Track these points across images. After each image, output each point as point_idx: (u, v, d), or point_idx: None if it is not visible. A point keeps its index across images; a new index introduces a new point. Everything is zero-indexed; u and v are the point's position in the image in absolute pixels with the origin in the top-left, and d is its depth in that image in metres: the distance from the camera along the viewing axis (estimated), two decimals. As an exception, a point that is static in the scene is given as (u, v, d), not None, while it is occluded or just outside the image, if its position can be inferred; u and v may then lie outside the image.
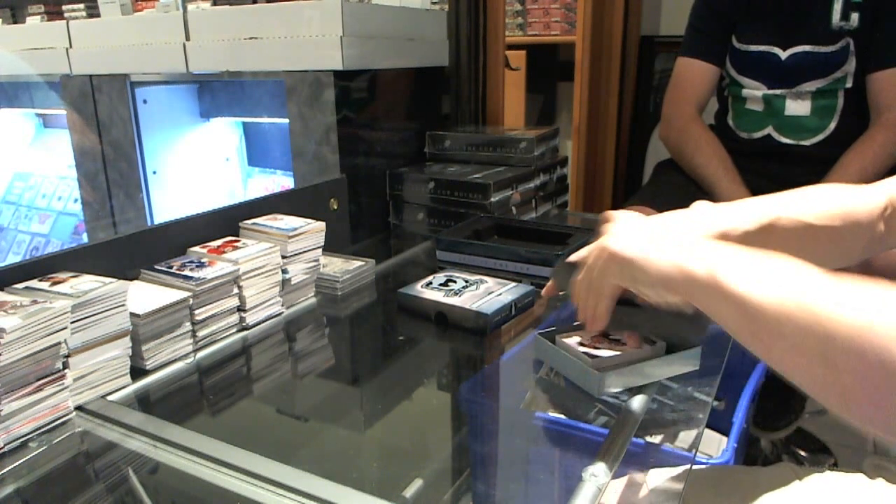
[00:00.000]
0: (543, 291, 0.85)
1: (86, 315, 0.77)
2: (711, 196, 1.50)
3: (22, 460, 0.69)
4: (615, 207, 0.82)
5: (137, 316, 0.83)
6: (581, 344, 0.76)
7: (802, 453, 1.56)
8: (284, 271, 1.05)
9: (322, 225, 1.12)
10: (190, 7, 1.72)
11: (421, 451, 0.78)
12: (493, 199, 1.43)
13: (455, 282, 1.05)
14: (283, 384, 0.93)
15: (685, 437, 0.71)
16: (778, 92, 1.45)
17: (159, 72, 1.80)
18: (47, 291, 0.78)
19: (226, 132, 2.09)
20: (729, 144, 1.52)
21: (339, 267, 1.18)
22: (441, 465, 0.74)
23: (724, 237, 0.64)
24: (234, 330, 0.98)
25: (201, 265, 0.95)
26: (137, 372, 0.85)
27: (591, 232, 1.21)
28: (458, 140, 1.67)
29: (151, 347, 0.86)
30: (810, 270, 0.47)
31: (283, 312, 1.05)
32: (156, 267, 0.95)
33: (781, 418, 1.52)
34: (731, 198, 1.46)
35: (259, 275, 1.00)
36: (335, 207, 1.36)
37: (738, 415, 0.94)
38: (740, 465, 0.83)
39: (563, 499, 0.60)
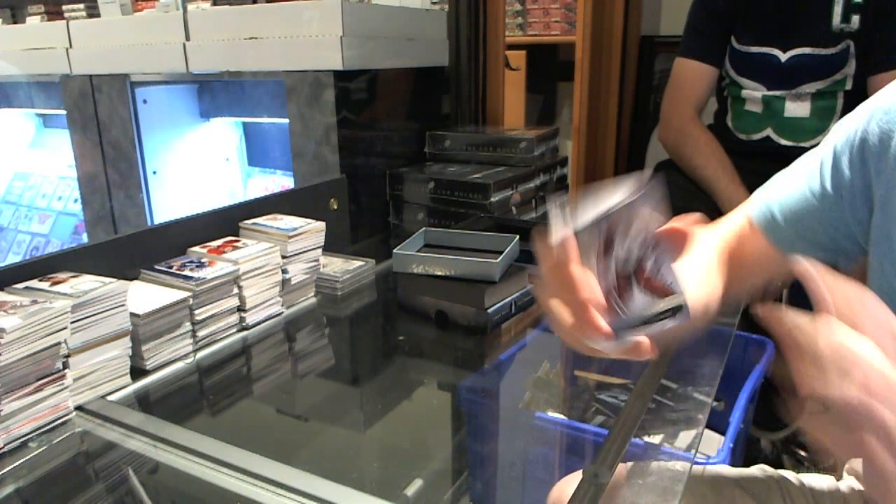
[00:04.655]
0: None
1: (86, 315, 0.77)
2: (711, 196, 1.50)
3: (22, 460, 0.69)
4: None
5: (137, 316, 0.83)
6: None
7: (802, 453, 1.56)
8: (284, 271, 1.05)
9: (322, 225, 1.12)
10: (190, 7, 1.72)
11: (421, 451, 0.78)
12: (493, 199, 1.43)
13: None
14: (283, 384, 0.93)
15: (685, 438, 0.72)
16: (777, 93, 1.45)
17: (159, 72, 1.80)
18: (47, 291, 0.78)
19: (226, 132, 2.09)
20: (728, 145, 1.52)
21: (339, 267, 1.18)
22: (441, 465, 0.74)
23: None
24: (234, 330, 0.98)
25: (201, 265, 0.95)
26: (137, 372, 0.85)
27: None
28: (458, 140, 1.67)
29: (151, 347, 0.86)
30: None
31: (283, 312, 1.05)
32: (156, 267, 0.95)
33: (779, 420, 1.52)
34: (731, 198, 1.46)
35: (259, 275, 1.00)
36: (335, 207, 1.36)
37: (735, 415, 0.94)
38: (739, 467, 0.83)
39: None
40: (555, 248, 0.42)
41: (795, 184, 0.68)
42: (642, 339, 0.46)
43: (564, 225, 0.43)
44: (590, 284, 0.43)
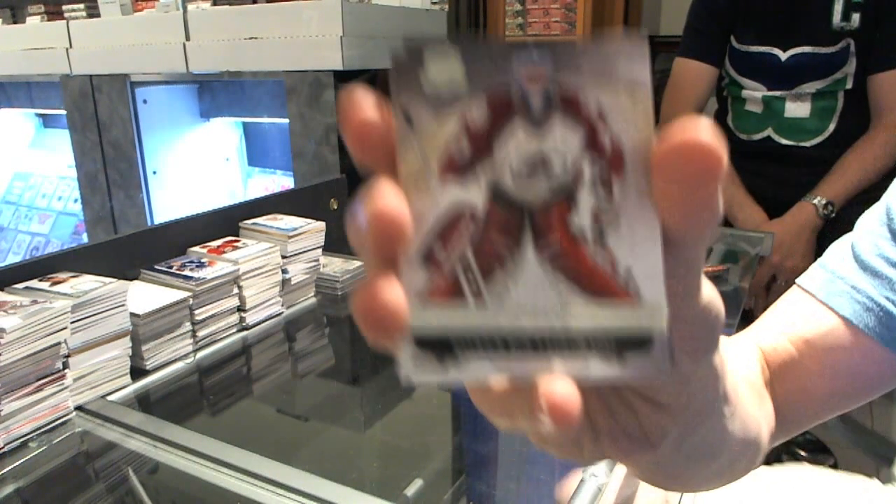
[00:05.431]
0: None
1: (86, 315, 0.77)
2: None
3: (22, 460, 0.69)
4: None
5: (137, 316, 0.83)
6: None
7: (802, 453, 1.56)
8: (284, 271, 1.05)
9: (322, 225, 1.12)
10: (190, 7, 1.72)
11: (421, 451, 0.78)
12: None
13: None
14: (283, 384, 0.93)
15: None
16: (778, 94, 1.45)
17: (159, 72, 1.80)
18: (47, 291, 0.78)
19: (226, 132, 2.09)
20: (728, 145, 1.51)
21: (339, 267, 1.18)
22: (441, 465, 0.74)
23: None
24: (234, 330, 0.98)
25: (201, 265, 0.95)
26: (137, 372, 0.85)
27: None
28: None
29: (151, 347, 0.86)
30: None
31: (283, 312, 1.05)
32: (156, 267, 0.95)
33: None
34: (731, 199, 1.47)
35: (259, 275, 1.00)
36: (335, 207, 1.36)
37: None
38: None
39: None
40: (353, 116, 0.18)
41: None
42: (552, 384, 0.19)
43: (400, 83, 0.19)
44: (400, 208, 0.18)
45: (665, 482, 0.33)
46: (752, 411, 0.34)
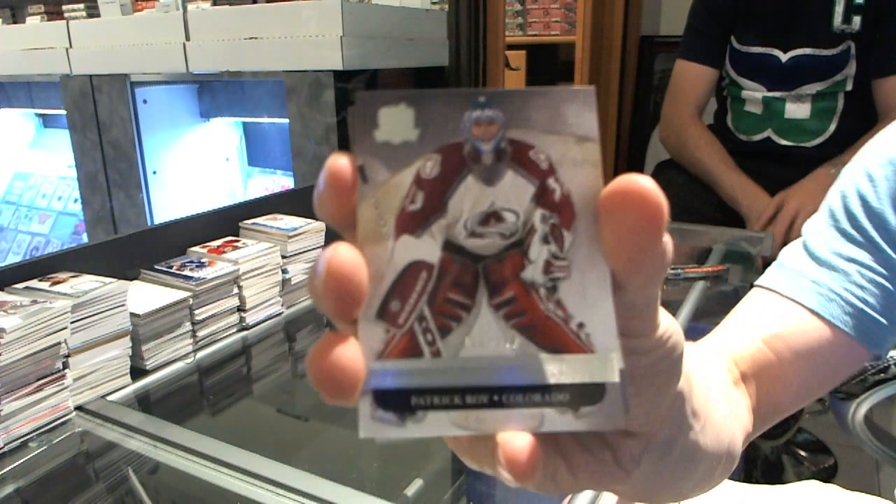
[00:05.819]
0: None
1: (86, 315, 0.77)
2: (713, 192, 1.50)
3: (22, 460, 0.69)
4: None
5: (137, 316, 0.83)
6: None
7: (802, 453, 1.56)
8: (284, 271, 1.05)
9: (322, 225, 1.12)
10: (190, 7, 1.72)
11: (421, 451, 0.78)
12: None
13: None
14: (283, 384, 0.93)
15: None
16: (778, 95, 1.45)
17: (159, 72, 1.80)
18: (47, 291, 0.78)
19: (226, 132, 2.09)
20: (728, 146, 1.52)
21: (339, 267, 1.18)
22: (441, 465, 0.74)
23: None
24: (234, 330, 0.98)
25: (201, 265, 0.95)
26: (137, 372, 0.85)
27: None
28: (458, 140, 1.66)
29: (151, 347, 0.86)
30: None
31: (283, 312, 1.05)
32: (156, 267, 0.95)
33: (779, 426, 1.51)
34: (735, 188, 1.47)
35: (259, 275, 1.00)
36: (335, 207, 1.36)
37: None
38: (739, 470, 0.82)
39: (562, 498, 0.60)
40: (320, 187, 0.19)
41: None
42: (509, 440, 0.19)
43: (356, 139, 0.19)
44: (355, 266, 0.18)
45: (646, 499, 0.33)
46: (724, 420, 0.35)
